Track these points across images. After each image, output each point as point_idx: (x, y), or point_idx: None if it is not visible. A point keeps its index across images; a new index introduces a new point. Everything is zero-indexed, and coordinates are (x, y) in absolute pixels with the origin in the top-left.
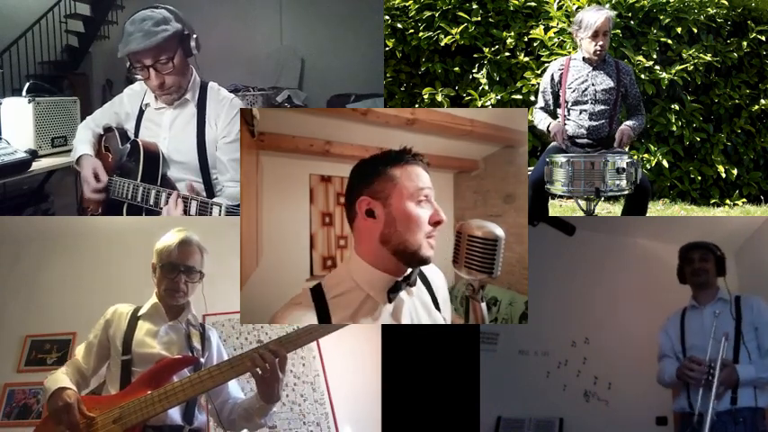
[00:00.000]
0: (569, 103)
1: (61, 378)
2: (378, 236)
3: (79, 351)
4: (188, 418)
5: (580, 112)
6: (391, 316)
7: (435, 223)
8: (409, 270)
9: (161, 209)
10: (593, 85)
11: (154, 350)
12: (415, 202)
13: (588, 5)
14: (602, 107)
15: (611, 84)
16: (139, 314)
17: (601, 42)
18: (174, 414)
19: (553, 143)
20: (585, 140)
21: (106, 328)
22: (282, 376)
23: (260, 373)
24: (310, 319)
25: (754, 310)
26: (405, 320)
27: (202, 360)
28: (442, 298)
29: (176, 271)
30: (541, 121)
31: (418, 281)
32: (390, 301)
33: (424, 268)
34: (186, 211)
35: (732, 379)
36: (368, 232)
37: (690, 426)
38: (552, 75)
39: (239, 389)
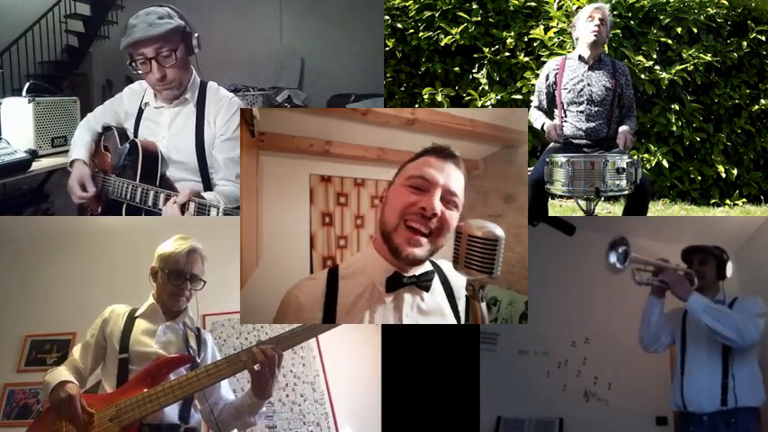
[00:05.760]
0: (565, 104)
1: (63, 372)
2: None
3: (76, 351)
4: (184, 417)
5: (577, 114)
6: (394, 312)
7: (421, 209)
8: (418, 270)
9: (160, 210)
10: (588, 85)
11: (151, 349)
12: (406, 184)
13: (588, 5)
14: (599, 108)
15: (608, 84)
16: (137, 314)
17: (597, 22)
18: (171, 413)
19: (553, 143)
20: (584, 141)
21: (103, 328)
22: (278, 373)
23: (258, 368)
24: (319, 292)
25: (741, 303)
26: (406, 320)
27: (198, 360)
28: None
29: (182, 278)
30: (536, 119)
31: (439, 290)
32: (389, 291)
33: (450, 275)
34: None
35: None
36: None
37: (687, 424)
38: (547, 75)
39: (230, 390)
